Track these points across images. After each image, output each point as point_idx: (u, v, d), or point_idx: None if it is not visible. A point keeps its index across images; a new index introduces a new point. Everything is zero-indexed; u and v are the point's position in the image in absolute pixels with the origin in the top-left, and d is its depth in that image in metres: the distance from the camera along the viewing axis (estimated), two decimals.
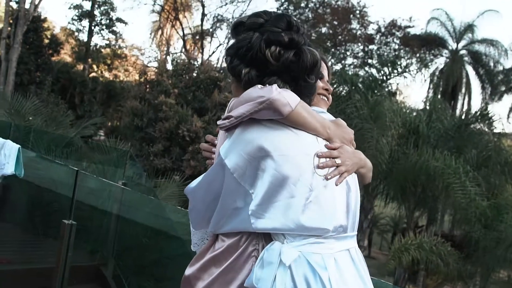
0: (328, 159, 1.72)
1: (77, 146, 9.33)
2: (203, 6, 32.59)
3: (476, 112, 14.97)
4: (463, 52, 30.97)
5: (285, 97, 1.63)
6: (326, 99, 2.12)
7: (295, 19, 1.76)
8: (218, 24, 32.55)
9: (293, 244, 1.60)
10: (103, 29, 32.16)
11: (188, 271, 1.77)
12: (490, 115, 15.09)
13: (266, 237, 1.66)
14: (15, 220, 8.08)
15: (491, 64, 30.44)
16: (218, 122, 1.72)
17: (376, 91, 14.81)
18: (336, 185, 1.69)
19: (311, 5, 30.28)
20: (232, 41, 1.81)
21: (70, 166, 5.75)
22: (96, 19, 31.67)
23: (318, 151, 1.71)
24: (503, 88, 31.56)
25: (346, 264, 1.66)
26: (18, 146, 4.98)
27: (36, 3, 25.20)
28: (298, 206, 1.60)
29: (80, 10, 31.37)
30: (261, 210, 1.60)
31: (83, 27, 32.05)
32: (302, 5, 30.16)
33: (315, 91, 1.88)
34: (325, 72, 2.12)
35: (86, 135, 11.74)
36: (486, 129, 15.14)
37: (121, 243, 6.70)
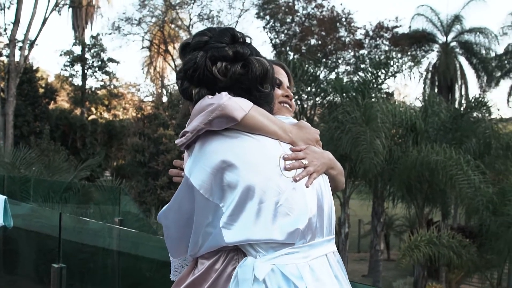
0: (294, 160, 1.68)
1: (76, 190, 9.36)
2: (190, 35, 32.78)
3: (470, 101, 14.96)
4: (453, 44, 30.94)
5: (237, 102, 1.62)
6: (288, 106, 2.05)
7: (239, 31, 1.75)
8: None
9: (266, 257, 1.57)
10: (96, 71, 32.42)
11: None
12: (485, 101, 15.07)
13: (245, 255, 1.63)
14: (21, 271, 8.09)
15: (483, 52, 30.37)
16: (176, 141, 1.70)
17: (370, 94, 14.83)
18: (307, 186, 1.66)
19: (297, 19, 30.40)
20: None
21: (50, 209, 5.78)
22: (88, 62, 31.94)
23: (283, 154, 1.68)
24: (498, 74, 31.47)
25: (323, 270, 1.63)
26: (4, 197, 5.02)
27: (26, 54, 25.47)
28: (268, 211, 1.57)
29: (71, 56, 31.68)
30: (231, 221, 1.57)
31: (76, 71, 32.35)
32: (288, 20, 30.28)
33: (273, 99, 1.84)
34: (284, 78, 2.07)
35: (86, 177, 11.75)
36: (483, 116, 15.10)
37: (126, 280, 6.69)
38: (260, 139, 1.67)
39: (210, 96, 1.64)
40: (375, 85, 15.52)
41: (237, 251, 1.64)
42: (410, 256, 11.28)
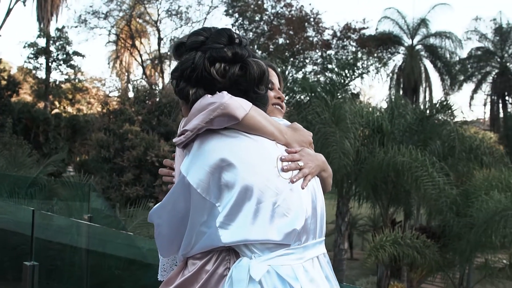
0: (290, 162, 1.71)
1: (41, 185, 9.18)
2: (158, 31, 32.57)
3: (435, 104, 15.24)
4: (419, 47, 31.58)
5: (238, 101, 1.63)
6: (280, 107, 2.10)
7: (235, 32, 1.75)
8: None
9: (262, 258, 1.58)
10: (60, 64, 31.70)
11: None
12: (450, 105, 15.36)
13: (237, 255, 1.63)
14: None
15: (447, 55, 31.07)
16: (174, 140, 1.70)
17: (337, 95, 14.94)
18: (302, 188, 1.68)
19: (265, 17, 30.47)
20: (175, 63, 1.79)
21: (24, 206, 5.67)
22: (52, 55, 31.23)
23: (280, 155, 1.70)
24: (461, 78, 32.22)
25: (316, 272, 1.66)
26: None
27: None
28: (266, 212, 1.58)
29: (35, 48, 30.95)
30: (229, 221, 1.57)
31: (40, 64, 31.59)
32: (257, 18, 30.33)
33: (268, 101, 1.87)
34: (275, 80, 2.10)
35: (50, 172, 11.55)
36: (448, 119, 15.39)
37: (95, 278, 6.60)
38: (258, 140, 1.68)
39: (209, 95, 1.65)
40: (343, 86, 15.65)
41: (229, 252, 1.64)
42: (375, 256, 11.45)
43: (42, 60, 31.40)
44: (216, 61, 1.66)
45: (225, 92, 1.64)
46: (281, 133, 1.75)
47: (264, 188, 1.59)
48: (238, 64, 1.69)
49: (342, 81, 15.58)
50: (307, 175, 1.72)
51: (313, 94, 15.19)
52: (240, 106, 1.62)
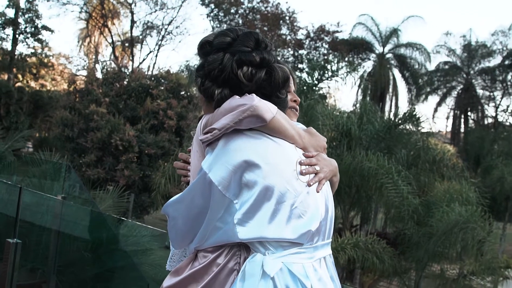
0: (308, 166, 1.77)
1: (9, 161, 8.97)
2: (132, 13, 32.12)
3: (405, 113, 15.45)
4: (389, 55, 31.95)
5: (266, 104, 1.68)
6: (295, 110, 2.14)
7: (262, 36, 1.79)
8: (148, 31, 32.17)
9: (275, 255, 1.63)
10: (28, 37, 30.97)
11: (167, 282, 1.77)
12: (417, 115, 15.60)
13: (248, 251, 1.69)
14: None
15: (416, 66, 31.58)
16: (200, 138, 1.73)
17: (309, 95, 14.99)
18: (317, 192, 1.74)
19: (241, 11, 30.43)
20: (200, 61, 1.81)
21: (8, 182, 5.55)
22: (20, 27, 30.50)
23: (299, 159, 1.75)
24: (427, 90, 32.83)
25: (323, 271, 1.72)
26: None
27: None
28: (284, 212, 1.64)
29: (3, 18, 30.14)
30: (247, 218, 1.63)
31: (7, 35, 30.79)
32: (232, 11, 30.27)
33: (287, 105, 1.92)
34: (291, 83, 2.11)
35: (16, 148, 11.28)
36: (415, 129, 15.65)
37: (63, 259, 6.51)
38: (280, 143, 1.74)
39: (238, 97, 1.70)
40: (315, 88, 15.72)
41: (240, 247, 1.70)
42: (335, 258, 11.60)
43: (9, 31, 30.64)
44: (243, 65, 1.71)
45: (254, 95, 1.68)
46: (300, 137, 1.81)
47: (284, 189, 1.65)
48: (264, 69, 1.73)
49: (314, 82, 15.67)
50: (322, 179, 1.79)
51: None
52: (269, 110, 1.67)
